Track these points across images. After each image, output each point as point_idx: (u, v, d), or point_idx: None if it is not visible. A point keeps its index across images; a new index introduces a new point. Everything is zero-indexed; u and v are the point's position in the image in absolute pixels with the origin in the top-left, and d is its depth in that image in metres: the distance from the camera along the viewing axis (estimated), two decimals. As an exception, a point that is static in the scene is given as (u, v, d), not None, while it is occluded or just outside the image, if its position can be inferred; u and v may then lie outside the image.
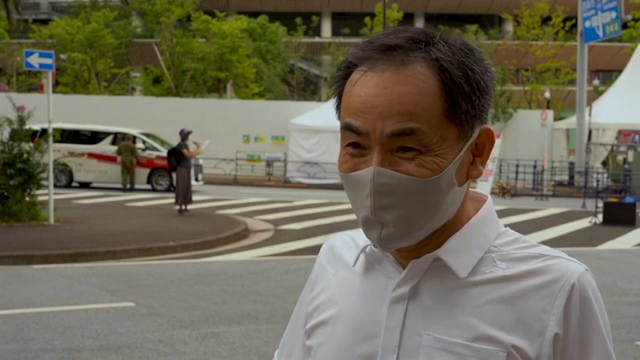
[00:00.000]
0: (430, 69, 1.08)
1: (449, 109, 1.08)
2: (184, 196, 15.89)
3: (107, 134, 23.96)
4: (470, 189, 1.21)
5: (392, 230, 1.10)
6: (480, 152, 1.16)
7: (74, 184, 23.59)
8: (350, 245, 1.29)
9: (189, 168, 16.09)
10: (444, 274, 1.15)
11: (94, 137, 23.85)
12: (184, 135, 16.20)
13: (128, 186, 22.91)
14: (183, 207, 15.99)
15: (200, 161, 24.16)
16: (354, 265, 1.24)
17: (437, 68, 1.08)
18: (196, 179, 23.61)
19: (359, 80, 1.11)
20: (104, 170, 23.34)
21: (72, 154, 21.59)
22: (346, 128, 1.12)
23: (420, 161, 1.08)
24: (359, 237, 1.28)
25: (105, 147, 23.54)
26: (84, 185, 23.84)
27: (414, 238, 1.12)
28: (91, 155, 23.25)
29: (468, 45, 1.13)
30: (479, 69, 1.12)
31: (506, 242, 1.17)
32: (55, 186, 22.46)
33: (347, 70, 1.14)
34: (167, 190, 23.11)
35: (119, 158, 22.94)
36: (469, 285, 1.14)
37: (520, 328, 1.10)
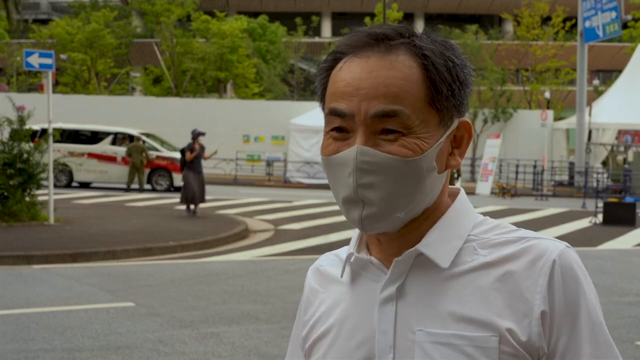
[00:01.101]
0: (413, 56, 1.13)
1: (431, 94, 1.12)
2: (186, 197, 15.69)
3: (107, 134, 23.97)
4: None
5: (373, 210, 1.12)
6: (459, 144, 1.19)
7: (74, 184, 23.59)
8: (335, 261, 1.31)
9: (196, 170, 15.73)
10: (427, 268, 1.17)
11: (94, 137, 23.85)
12: (194, 135, 15.79)
13: (136, 186, 22.90)
14: (187, 207, 15.88)
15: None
16: (341, 277, 1.25)
17: (420, 55, 1.13)
18: None
19: (344, 65, 1.15)
20: (103, 170, 23.35)
21: (72, 154, 21.61)
22: (331, 113, 1.15)
23: (402, 142, 1.11)
24: (342, 252, 1.31)
25: (105, 147, 23.54)
26: (84, 185, 23.85)
27: (394, 221, 1.14)
28: (91, 155, 23.25)
29: (448, 42, 1.17)
30: (459, 62, 1.16)
31: (485, 230, 1.20)
32: (55, 186, 22.49)
33: (333, 61, 1.17)
34: (167, 190, 23.13)
35: (119, 158, 22.96)
36: (453, 276, 1.16)
37: (508, 311, 1.12)
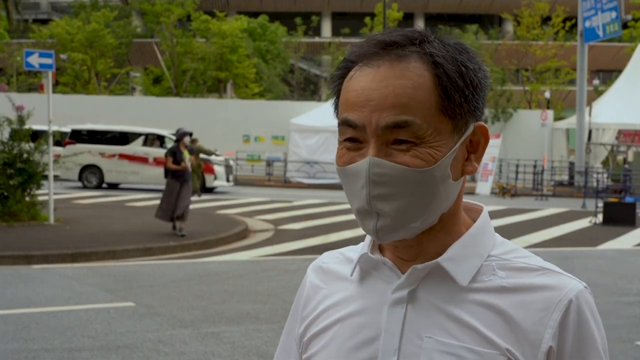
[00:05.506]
0: (424, 64, 1.10)
1: (443, 102, 1.10)
2: (159, 208, 12.82)
3: (138, 135, 23.75)
4: (464, 200, 1.22)
5: (387, 221, 1.11)
6: (475, 148, 1.17)
7: (104, 185, 23.46)
8: (340, 259, 1.30)
9: (179, 178, 12.68)
10: (443, 279, 1.15)
11: (124, 138, 23.66)
12: (178, 136, 13.10)
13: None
14: (169, 221, 12.83)
15: (231, 162, 24.21)
16: (351, 275, 1.24)
17: (431, 62, 1.10)
18: (227, 180, 23.43)
19: (355, 75, 1.13)
20: (135, 171, 23.15)
21: (102, 155, 21.60)
22: (343, 123, 1.13)
23: (414, 152, 1.09)
24: (347, 251, 1.30)
25: (137, 148, 23.29)
26: (113, 187, 23.68)
27: (410, 230, 1.13)
28: (122, 156, 23.07)
29: (462, 44, 1.15)
30: (473, 66, 1.13)
31: (505, 252, 1.18)
32: (86, 187, 22.55)
33: (345, 69, 1.16)
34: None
35: (150, 159, 22.80)
36: (468, 291, 1.14)
37: (516, 338, 1.11)
